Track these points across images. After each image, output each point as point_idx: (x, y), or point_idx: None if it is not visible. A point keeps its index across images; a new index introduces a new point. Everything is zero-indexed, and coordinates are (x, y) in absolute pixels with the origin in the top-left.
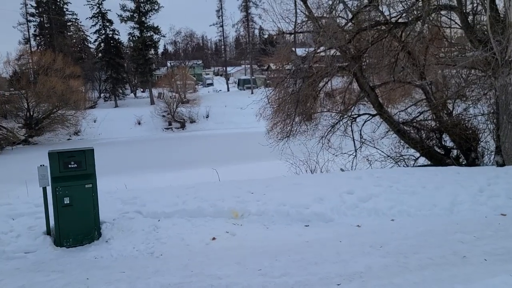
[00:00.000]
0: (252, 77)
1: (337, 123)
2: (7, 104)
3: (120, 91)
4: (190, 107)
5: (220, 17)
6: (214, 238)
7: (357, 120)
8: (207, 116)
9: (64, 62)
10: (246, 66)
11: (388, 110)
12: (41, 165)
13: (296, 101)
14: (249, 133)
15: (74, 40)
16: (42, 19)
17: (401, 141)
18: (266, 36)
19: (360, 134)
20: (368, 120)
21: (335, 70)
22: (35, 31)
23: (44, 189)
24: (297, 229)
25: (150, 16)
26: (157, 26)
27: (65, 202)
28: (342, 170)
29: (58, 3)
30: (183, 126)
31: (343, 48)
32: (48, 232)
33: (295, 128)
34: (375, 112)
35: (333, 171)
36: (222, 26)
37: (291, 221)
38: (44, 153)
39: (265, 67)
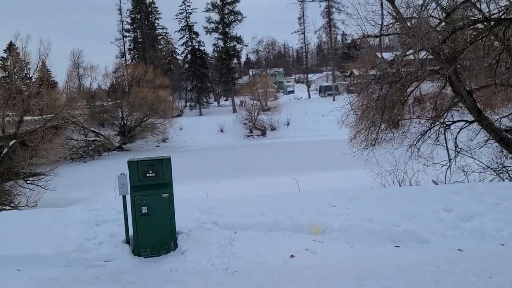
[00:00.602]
0: (334, 84)
1: (428, 130)
2: (105, 114)
3: (205, 99)
4: (271, 114)
5: (302, 24)
6: (292, 256)
7: (451, 127)
8: (288, 124)
9: (154, 74)
10: (327, 72)
11: (488, 116)
12: (121, 174)
13: (382, 107)
14: (330, 141)
15: (164, 53)
16: (136, 34)
17: (503, 150)
18: (349, 41)
19: (455, 143)
20: (464, 127)
21: (426, 74)
22: (129, 45)
23: (124, 198)
24: (386, 250)
25: (233, 27)
26: (240, 36)
27: (143, 212)
28: (434, 182)
29: (150, 19)
30: (263, 133)
31: (435, 49)
32: (127, 241)
33: (380, 136)
34: (472, 119)
35: (423, 183)
36: (303, 33)
37: (378, 239)
38: None
39: (348, 73)
